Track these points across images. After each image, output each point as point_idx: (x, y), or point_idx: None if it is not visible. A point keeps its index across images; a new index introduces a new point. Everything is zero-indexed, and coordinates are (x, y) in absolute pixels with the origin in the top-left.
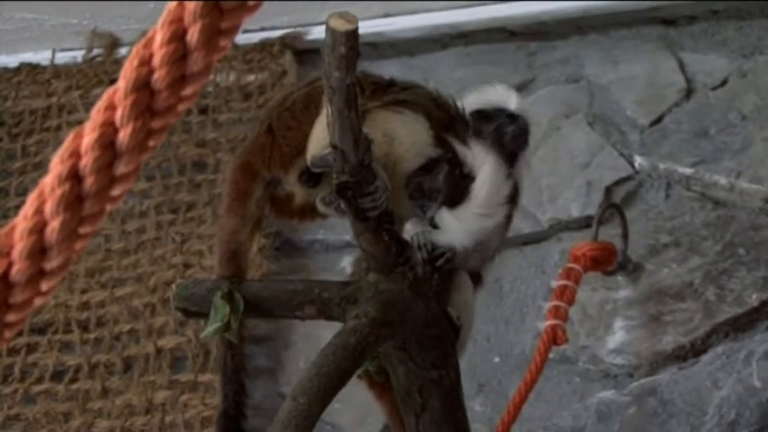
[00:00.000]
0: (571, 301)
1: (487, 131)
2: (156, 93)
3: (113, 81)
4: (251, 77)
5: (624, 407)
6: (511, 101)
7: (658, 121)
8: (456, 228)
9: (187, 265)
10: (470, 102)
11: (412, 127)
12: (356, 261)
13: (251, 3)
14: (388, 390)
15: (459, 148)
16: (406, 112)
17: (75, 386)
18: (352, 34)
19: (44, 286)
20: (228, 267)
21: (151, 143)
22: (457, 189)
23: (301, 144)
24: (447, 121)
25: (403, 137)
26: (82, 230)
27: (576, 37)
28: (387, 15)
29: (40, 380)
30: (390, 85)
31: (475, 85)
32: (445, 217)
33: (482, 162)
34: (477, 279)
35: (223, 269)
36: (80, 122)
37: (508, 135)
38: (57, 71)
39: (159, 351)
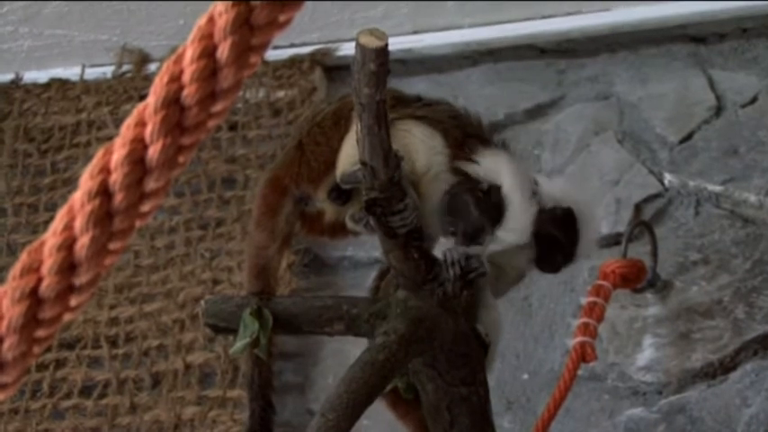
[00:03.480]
0: (600, 319)
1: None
2: (185, 109)
3: (143, 97)
4: (281, 94)
5: (653, 424)
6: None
7: (688, 138)
8: (514, 236)
9: (216, 281)
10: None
11: (428, 145)
12: (378, 276)
13: (281, 19)
14: (414, 408)
15: (470, 170)
16: (424, 127)
17: (103, 402)
18: (382, 51)
19: (73, 302)
20: (257, 283)
21: (181, 159)
22: (492, 208)
23: (331, 160)
24: (461, 139)
25: (420, 153)
26: (111, 246)
27: (606, 54)
28: (416, 32)
29: (68, 395)
30: (415, 100)
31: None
32: (501, 236)
33: (497, 170)
34: None
35: (252, 285)
36: (110, 138)
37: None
38: (86, 87)
39: (188, 367)
